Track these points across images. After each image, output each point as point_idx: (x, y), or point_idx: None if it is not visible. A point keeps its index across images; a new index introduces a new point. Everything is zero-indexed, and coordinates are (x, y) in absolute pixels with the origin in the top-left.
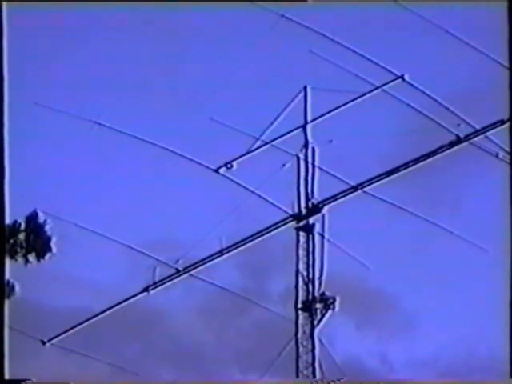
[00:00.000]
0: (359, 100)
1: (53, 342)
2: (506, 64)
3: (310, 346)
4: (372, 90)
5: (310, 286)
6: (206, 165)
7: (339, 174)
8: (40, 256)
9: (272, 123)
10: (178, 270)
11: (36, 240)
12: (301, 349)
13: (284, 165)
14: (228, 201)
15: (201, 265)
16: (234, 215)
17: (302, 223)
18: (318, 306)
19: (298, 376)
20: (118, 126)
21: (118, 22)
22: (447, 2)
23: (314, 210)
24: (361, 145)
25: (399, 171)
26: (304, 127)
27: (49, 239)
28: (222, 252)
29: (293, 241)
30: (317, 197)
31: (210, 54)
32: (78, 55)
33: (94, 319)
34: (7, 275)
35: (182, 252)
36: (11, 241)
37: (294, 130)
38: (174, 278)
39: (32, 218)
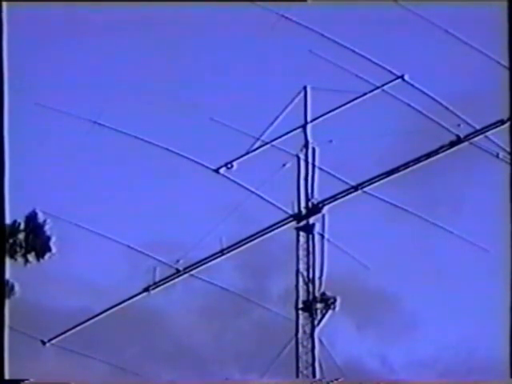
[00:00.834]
0: (359, 100)
1: (53, 342)
2: (506, 64)
3: (309, 346)
4: (372, 90)
5: (311, 286)
6: (206, 165)
7: (339, 174)
8: (39, 256)
9: (272, 123)
10: (178, 270)
11: (35, 240)
12: (301, 349)
13: (284, 165)
14: (228, 201)
15: (201, 265)
16: (234, 215)
17: (302, 223)
18: (319, 305)
19: (298, 376)
20: (118, 126)
21: (118, 23)
22: (447, 2)
23: (314, 210)
24: (361, 145)
25: (399, 171)
26: (304, 127)
27: (48, 239)
28: (222, 252)
29: (293, 241)
30: (317, 197)
31: (210, 54)
32: (78, 55)
33: (94, 319)
34: (7, 275)
35: (182, 252)
36: (11, 240)
37: (294, 129)
38: (174, 278)
39: (31, 218)
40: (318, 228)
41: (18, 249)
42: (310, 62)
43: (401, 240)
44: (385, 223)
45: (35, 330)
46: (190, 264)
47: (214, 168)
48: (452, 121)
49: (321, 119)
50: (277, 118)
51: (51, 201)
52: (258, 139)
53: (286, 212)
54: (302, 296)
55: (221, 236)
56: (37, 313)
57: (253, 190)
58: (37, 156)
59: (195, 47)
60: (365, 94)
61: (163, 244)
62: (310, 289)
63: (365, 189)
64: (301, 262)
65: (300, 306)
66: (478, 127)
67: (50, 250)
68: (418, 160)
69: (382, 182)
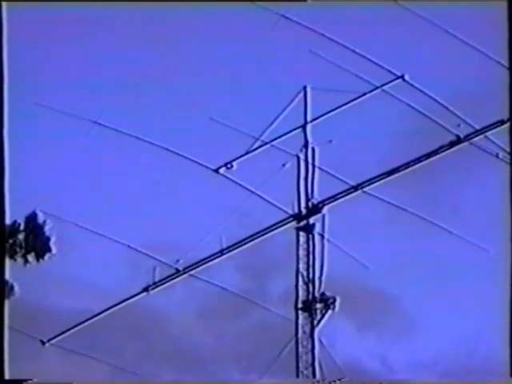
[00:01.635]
0: (359, 100)
1: (52, 342)
2: (506, 64)
3: (309, 346)
4: (372, 90)
5: (310, 286)
6: (206, 165)
7: (339, 174)
8: (39, 256)
9: (272, 123)
10: (177, 270)
11: (35, 240)
12: (301, 349)
13: (284, 165)
14: (228, 201)
15: (201, 265)
16: (234, 215)
17: (302, 223)
18: (318, 306)
19: (298, 376)
20: (118, 126)
21: (118, 22)
22: (447, 2)
23: (314, 210)
24: (361, 145)
25: (399, 171)
26: (304, 127)
27: (48, 239)
28: (222, 252)
29: (293, 241)
30: (317, 197)
31: (210, 54)
32: (78, 55)
33: (93, 319)
34: (7, 275)
35: (181, 252)
36: (11, 241)
37: (294, 129)
38: (174, 278)
39: (31, 219)
40: (317, 228)
41: (17, 249)
42: (310, 62)
43: (401, 240)
44: (385, 223)
45: (34, 330)
46: (189, 264)
47: (213, 168)
48: (452, 121)
49: (321, 119)
50: (277, 117)
51: (51, 201)
52: (257, 139)
53: (286, 212)
54: (302, 296)
55: (221, 236)
56: (36, 313)
57: (253, 190)
58: (37, 156)
59: (195, 47)
60: (365, 94)
61: (163, 244)
62: (310, 289)
63: (365, 189)
64: (301, 262)
65: (300, 306)
66: (477, 127)
67: (49, 250)
68: (418, 160)
69: (381, 182)
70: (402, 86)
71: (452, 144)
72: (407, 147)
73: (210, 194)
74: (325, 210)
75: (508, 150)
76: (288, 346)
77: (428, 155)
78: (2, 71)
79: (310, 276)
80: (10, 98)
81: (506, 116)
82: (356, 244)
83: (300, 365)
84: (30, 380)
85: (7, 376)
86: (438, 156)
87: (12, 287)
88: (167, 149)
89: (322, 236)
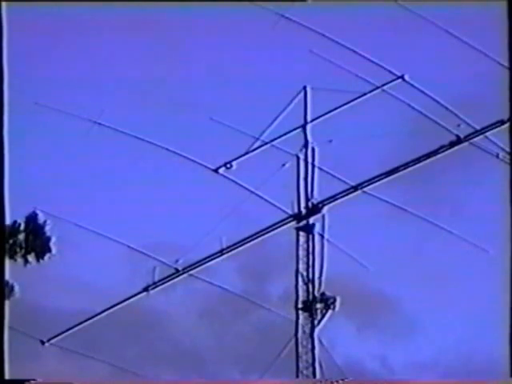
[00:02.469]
0: (359, 100)
1: (52, 341)
2: (506, 64)
3: (309, 346)
4: (372, 90)
5: (310, 286)
6: (206, 165)
7: (339, 174)
8: (39, 256)
9: (272, 123)
10: (177, 270)
11: (35, 240)
12: (301, 349)
13: (284, 165)
14: (228, 201)
15: (201, 265)
16: (234, 215)
17: (301, 223)
18: (319, 305)
19: (297, 376)
20: (118, 126)
21: (118, 22)
22: (447, 2)
23: (314, 210)
24: (361, 145)
25: (399, 171)
26: (304, 127)
27: (48, 239)
28: (221, 252)
29: (293, 241)
30: (317, 197)
31: (210, 54)
32: (78, 55)
33: (93, 319)
34: (7, 276)
35: (181, 252)
36: (11, 241)
37: (294, 129)
38: (174, 278)
39: (32, 219)
40: (317, 228)
41: (17, 249)
42: (310, 62)
43: (401, 240)
44: (385, 223)
45: (34, 330)
46: (189, 264)
47: (213, 168)
48: (452, 121)
49: (321, 119)
50: (276, 117)
51: (51, 201)
52: (257, 139)
53: (285, 212)
54: (302, 296)
55: (220, 236)
56: (36, 313)
57: (252, 190)
58: (37, 156)
59: (195, 47)
60: (365, 94)
61: (163, 244)
62: (310, 289)
63: (365, 189)
64: (300, 262)
65: (300, 306)
66: (478, 127)
67: (49, 250)
68: (417, 160)
69: (382, 182)
70: (402, 86)
71: (452, 144)
72: (407, 147)
73: (209, 194)
74: (325, 209)
75: (508, 150)
76: (288, 346)
77: (428, 155)
78: (2, 71)
79: (310, 276)
80: (9, 97)
81: (506, 116)
82: (356, 244)
83: (300, 365)
84: (30, 380)
85: (7, 376)
86: (437, 156)
87: (12, 287)
88: (167, 149)
89: (322, 236)
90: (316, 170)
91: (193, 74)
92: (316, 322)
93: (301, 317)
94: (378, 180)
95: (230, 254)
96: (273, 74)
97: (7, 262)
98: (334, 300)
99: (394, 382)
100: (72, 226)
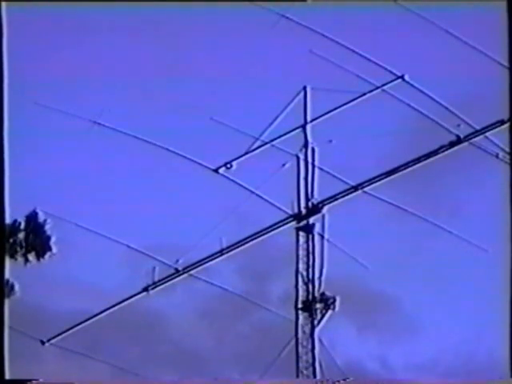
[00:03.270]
0: (359, 100)
1: (52, 342)
2: (506, 64)
3: (309, 346)
4: (372, 90)
5: (310, 286)
6: (206, 165)
7: (339, 174)
8: (40, 256)
9: (272, 123)
10: (177, 270)
11: (36, 239)
12: (301, 349)
13: (284, 165)
14: (228, 201)
15: (200, 265)
16: (234, 215)
17: (301, 223)
18: (318, 305)
19: (298, 376)
20: (118, 125)
21: (118, 22)
22: (447, 2)
23: (314, 210)
24: (361, 145)
25: (399, 171)
26: (304, 127)
27: (48, 239)
28: (221, 252)
29: (293, 242)
30: (317, 197)
31: (209, 54)
32: (78, 55)
33: (93, 319)
34: (7, 275)
35: (181, 252)
36: (11, 240)
37: (294, 129)
38: (174, 278)
39: (32, 218)
40: (317, 228)
41: (18, 248)
42: (310, 62)
43: (401, 240)
44: (385, 223)
45: (34, 330)
46: (189, 264)
47: (213, 168)
48: (452, 121)
49: (321, 119)
50: (276, 117)
51: (51, 201)
52: (257, 139)
53: (285, 212)
54: (302, 296)
55: (220, 236)
56: (36, 313)
57: (252, 190)
58: (37, 156)
59: (195, 47)
60: (365, 94)
61: (163, 244)
62: (310, 289)
63: (365, 189)
64: (300, 262)
65: (300, 306)
66: (478, 127)
67: (50, 249)
68: (417, 160)
69: (382, 182)
70: (402, 86)
71: (452, 144)
72: (407, 147)
73: (209, 194)
74: (325, 209)
75: (508, 150)
76: (288, 346)
77: (428, 155)
78: (2, 71)
79: (310, 276)
80: (9, 97)
81: (506, 116)
82: (356, 244)
83: (300, 365)
84: (30, 380)
85: (7, 376)
86: (437, 156)
87: (12, 286)
88: (167, 149)
89: (322, 236)
90: (316, 170)
91: (193, 74)
92: (316, 322)
93: (301, 317)
94: (378, 180)
95: (229, 253)
96: (273, 74)
97: (7, 261)
98: (334, 300)
99: (394, 382)
100: (72, 225)
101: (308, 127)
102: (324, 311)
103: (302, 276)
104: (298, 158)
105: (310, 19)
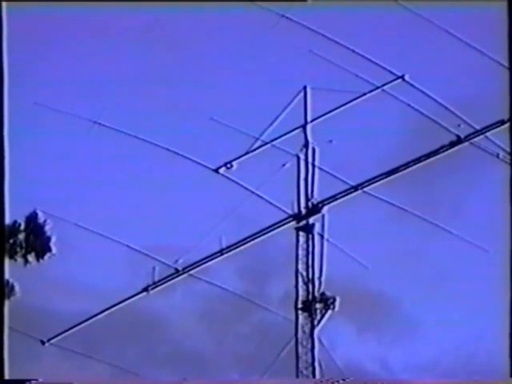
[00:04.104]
0: (359, 100)
1: (52, 342)
2: (506, 64)
3: (309, 346)
4: (372, 90)
5: (310, 286)
6: (206, 165)
7: (339, 174)
8: (40, 256)
9: (272, 123)
10: (177, 270)
11: (36, 240)
12: (300, 349)
13: (284, 165)
14: (228, 201)
15: (200, 265)
16: (234, 215)
17: (301, 223)
18: (318, 305)
19: (298, 376)
20: (118, 125)
21: (118, 22)
22: (447, 2)
23: (314, 210)
24: (361, 145)
25: (399, 171)
26: (304, 127)
27: (48, 239)
28: (221, 252)
29: (292, 242)
30: (317, 197)
31: (209, 54)
32: (78, 55)
33: (93, 319)
34: (6, 275)
35: (181, 252)
36: (11, 241)
37: (294, 129)
38: (174, 278)
39: (32, 218)
40: (317, 228)
41: (17, 249)
42: (310, 62)
43: (401, 240)
44: (385, 223)
45: (34, 330)
46: (189, 264)
47: (213, 168)
48: (452, 121)
49: (321, 119)
50: (277, 117)
51: (51, 201)
52: (257, 139)
53: (285, 212)
54: (302, 296)
55: (220, 236)
56: (36, 313)
57: (253, 190)
58: (37, 156)
59: (195, 47)
60: (365, 94)
61: (162, 244)
62: (310, 289)
63: (365, 189)
64: (300, 262)
65: (299, 305)
66: (478, 127)
67: (50, 250)
68: (417, 160)
69: (381, 182)
70: (402, 86)
71: (452, 144)
72: (407, 147)
73: (209, 194)
74: (325, 209)
75: (508, 150)
76: (288, 346)
77: (428, 155)
78: (2, 71)
79: (310, 276)
80: (9, 97)
81: (506, 116)
82: (356, 244)
83: (300, 365)
84: (30, 380)
85: (7, 376)
86: (438, 156)
87: (12, 287)
88: (167, 149)
89: (322, 236)
90: (316, 169)
91: (193, 74)
92: (316, 322)
93: (300, 317)
94: (378, 180)
95: (229, 253)
96: (273, 73)
97: (7, 262)
98: (334, 300)
99: (394, 382)
100: (72, 226)
101: (308, 127)
102: (324, 311)
103: (302, 276)
104: (298, 158)
105: (309, 19)
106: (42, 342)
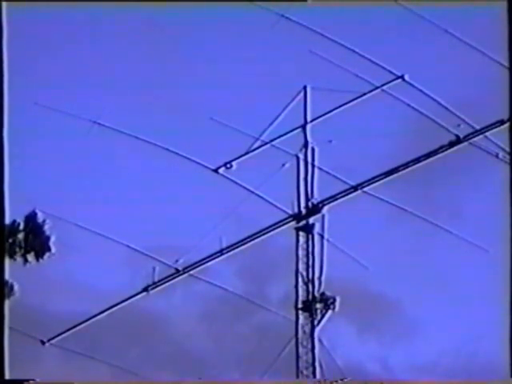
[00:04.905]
0: (359, 100)
1: (52, 342)
2: (506, 64)
3: (309, 346)
4: (372, 90)
5: (310, 286)
6: (206, 165)
7: (339, 174)
8: (39, 256)
9: (272, 123)
10: (177, 270)
11: (35, 240)
12: (301, 349)
13: (284, 165)
14: (228, 201)
15: (200, 265)
16: (234, 215)
17: (301, 223)
18: (318, 305)
19: (298, 376)
20: (118, 125)
21: (118, 22)
22: (447, 2)
23: (314, 210)
24: (361, 145)
25: (399, 171)
26: (304, 127)
27: (48, 239)
28: (221, 252)
29: (292, 242)
30: (317, 197)
31: (210, 54)
32: (78, 55)
33: (93, 319)
34: (6, 275)
35: (181, 252)
36: (10, 240)
37: (294, 129)
38: (174, 278)
39: (31, 218)
40: (317, 228)
41: (17, 249)
42: (310, 62)
43: (400, 240)
44: (385, 223)
45: (34, 330)
46: (189, 264)
47: (213, 168)
48: (452, 121)
49: (321, 119)
50: (276, 117)
51: (51, 201)
52: (257, 139)
53: (285, 212)
54: (302, 296)
55: (220, 236)
56: (36, 313)
57: (252, 190)
58: (37, 156)
59: (195, 47)
60: (365, 94)
61: (162, 244)
62: (310, 289)
63: (365, 189)
64: (300, 262)
65: (300, 306)
66: (478, 127)
67: (49, 249)
68: (417, 160)
69: (381, 182)
70: (402, 86)
71: (452, 144)
72: (407, 147)
73: (209, 194)
74: (324, 210)
75: (508, 150)
76: (288, 346)
77: (428, 155)
78: (2, 71)
79: (310, 276)
80: (9, 97)
81: (506, 116)
82: (356, 244)
83: (300, 365)
84: (30, 380)
85: (7, 376)
86: (437, 156)
87: (12, 287)
88: (167, 149)
89: (322, 236)
90: (316, 170)
91: (193, 74)
92: (316, 322)
93: (301, 317)
94: (378, 180)
95: (229, 253)
96: (273, 74)
97: (7, 262)
98: (334, 300)
99: (394, 382)
100: (72, 226)
101: (308, 127)
102: (324, 311)
103: (302, 276)
104: (297, 158)
105: (310, 19)
106: (43, 342)
